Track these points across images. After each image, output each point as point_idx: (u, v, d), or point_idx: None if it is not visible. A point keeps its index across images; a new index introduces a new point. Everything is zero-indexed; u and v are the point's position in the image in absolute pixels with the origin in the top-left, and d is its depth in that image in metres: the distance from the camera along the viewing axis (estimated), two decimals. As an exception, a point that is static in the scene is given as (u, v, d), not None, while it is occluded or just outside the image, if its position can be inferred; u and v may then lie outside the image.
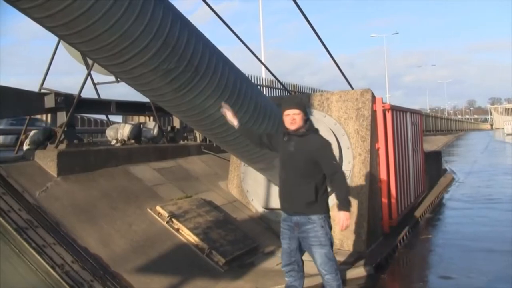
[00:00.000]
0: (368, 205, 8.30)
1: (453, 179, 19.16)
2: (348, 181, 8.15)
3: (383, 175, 9.06)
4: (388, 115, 9.28)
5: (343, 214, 5.13)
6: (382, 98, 9.11)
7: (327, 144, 5.39)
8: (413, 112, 11.97)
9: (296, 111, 5.29)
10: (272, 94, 17.80)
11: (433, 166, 16.97)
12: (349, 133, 8.63)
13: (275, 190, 8.85)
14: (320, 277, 5.47)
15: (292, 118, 5.29)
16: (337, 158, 5.47)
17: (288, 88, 17.99)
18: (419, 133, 12.46)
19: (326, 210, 5.31)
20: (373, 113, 8.83)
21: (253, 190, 9.31)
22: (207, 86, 5.68)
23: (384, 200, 9.10)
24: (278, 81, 12.43)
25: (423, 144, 13.59)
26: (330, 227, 5.32)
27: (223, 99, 6.01)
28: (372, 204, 8.48)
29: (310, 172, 5.22)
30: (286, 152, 5.38)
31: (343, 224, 5.14)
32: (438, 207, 13.26)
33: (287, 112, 5.33)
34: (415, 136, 11.87)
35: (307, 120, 5.38)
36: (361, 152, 8.49)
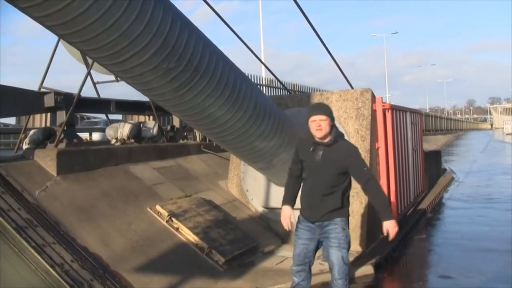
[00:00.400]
0: (367, 204, 8.29)
1: (452, 178, 19.18)
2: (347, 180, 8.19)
3: (382, 175, 9.05)
4: (388, 115, 9.28)
5: (389, 223, 5.04)
6: (382, 98, 9.11)
7: (356, 150, 5.28)
8: (412, 111, 11.97)
9: (323, 117, 5.14)
10: (272, 94, 17.79)
11: (433, 166, 16.99)
12: (349, 132, 8.62)
13: (275, 189, 8.84)
14: (319, 277, 5.45)
15: (318, 124, 5.13)
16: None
17: (288, 87, 17.98)
18: (418, 132, 12.46)
19: (348, 214, 5.26)
20: (373, 112, 8.83)
21: (253, 189, 9.30)
22: (207, 85, 5.67)
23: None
24: (278, 80, 12.42)
25: (423, 144, 13.59)
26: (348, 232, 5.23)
27: (223, 99, 6.01)
28: (371, 203, 8.46)
29: (338, 181, 5.14)
30: (312, 162, 5.25)
31: (391, 233, 5.04)
32: (437, 207, 13.28)
33: (313, 118, 5.18)
34: (415, 136, 11.87)
35: (333, 126, 5.25)
36: (360, 151, 8.45)
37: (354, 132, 8.61)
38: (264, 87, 17.41)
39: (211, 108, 6.03)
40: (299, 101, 9.35)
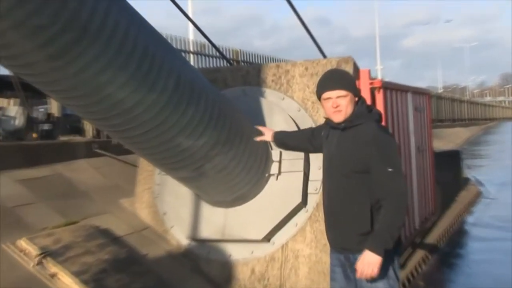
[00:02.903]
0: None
1: (479, 193, 19.48)
2: (320, 195, 8.31)
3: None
4: (379, 97, 9.43)
5: (368, 256, 4.87)
6: (369, 71, 9.27)
7: (380, 137, 5.11)
8: (417, 92, 12.20)
9: (342, 92, 5.18)
10: (204, 65, 17.85)
11: (449, 174, 17.24)
12: (320, 123, 8.74)
13: (206, 210, 8.91)
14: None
15: (335, 104, 5.18)
16: (396, 162, 5.08)
17: (228, 56, 18.08)
18: (426, 123, 12.69)
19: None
20: (357, 93, 9.00)
21: (174, 211, 9.33)
22: (102, 53, 5.67)
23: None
24: (213, 45, 12.51)
25: (433, 141, 13.82)
26: (397, 272, 5.18)
27: (127, 73, 6.00)
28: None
29: (360, 185, 5.05)
30: (326, 154, 5.39)
31: (362, 270, 4.89)
32: (457, 237, 13.51)
33: (326, 94, 5.24)
34: (420, 129, 12.09)
35: (358, 102, 5.26)
36: (337, 153, 8.63)
37: (328, 124, 8.75)
38: (192, 56, 17.48)
39: (108, 87, 6.03)
40: (245, 77, 9.45)
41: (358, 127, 5.11)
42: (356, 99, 5.25)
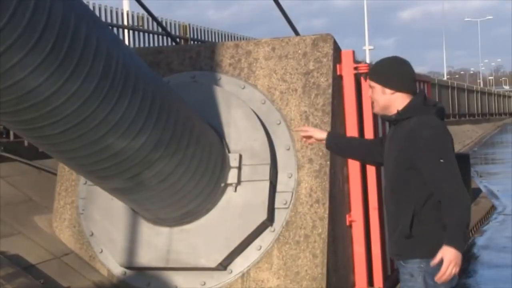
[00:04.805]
0: (327, 258, 8.45)
1: (492, 208, 19.59)
2: (290, 210, 8.35)
3: (355, 203, 9.21)
4: (365, 85, 9.45)
5: (447, 252, 5.24)
6: (354, 53, 9.29)
7: (424, 130, 5.51)
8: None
9: (371, 82, 5.82)
10: (142, 43, 17.87)
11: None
12: (290, 119, 8.76)
13: (146, 231, 8.86)
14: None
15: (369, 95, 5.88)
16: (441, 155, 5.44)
17: (173, 32, 18.09)
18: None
19: (431, 253, 5.41)
20: (337, 80, 9.01)
21: (104, 232, 9.26)
22: (7, 27, 5.62)
23: (359, 248, 9.23)
24: (154, 18, 12.50)
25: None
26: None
27: (41, 54, 5.93)
28: (334, 256, 8.65)
29: (404, 185, 5.55)
30: (384, 152, 5.87)
31: (443, 270, 5.26)
32: (464, 263, 13.55)
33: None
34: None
35: (413, 94, 5.77)
36: (313, 156, 8.63)
37: (301, 119, 8.75)
38: (127, 32, 17.49)
39: (16, 72, 5.95)
40: (195, 59, 9.44)
41: (409, 121, 5.56)
42: (391, 92, 5.66)
